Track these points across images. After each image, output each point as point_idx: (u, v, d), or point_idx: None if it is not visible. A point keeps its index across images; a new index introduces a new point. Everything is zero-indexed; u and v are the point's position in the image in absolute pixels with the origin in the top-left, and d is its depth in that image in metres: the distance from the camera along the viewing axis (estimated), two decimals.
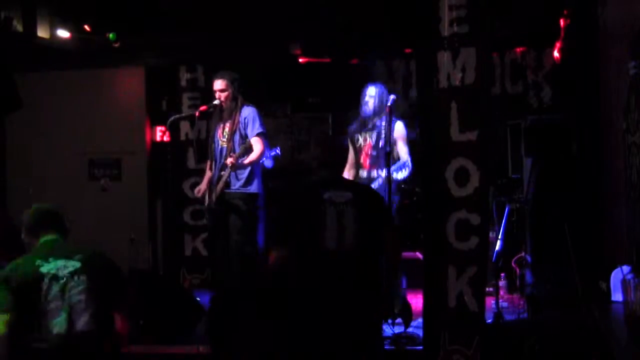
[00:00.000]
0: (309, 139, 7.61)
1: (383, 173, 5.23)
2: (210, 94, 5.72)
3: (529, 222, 6.06)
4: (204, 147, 5.93)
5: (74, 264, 3.56)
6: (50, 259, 3.56)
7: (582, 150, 6.00)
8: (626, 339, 3.56)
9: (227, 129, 5.57)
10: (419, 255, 5.91)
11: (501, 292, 5.71)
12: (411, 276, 5.40)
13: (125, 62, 7.31)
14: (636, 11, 4.45)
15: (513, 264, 5.87)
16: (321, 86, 7.33)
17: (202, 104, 5.88)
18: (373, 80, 5.72)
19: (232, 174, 5.43)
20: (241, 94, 5.59)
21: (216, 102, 5.57)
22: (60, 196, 6.29)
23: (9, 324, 3.39)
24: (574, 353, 4.28)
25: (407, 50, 6.85)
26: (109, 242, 5.38)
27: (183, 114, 6.55)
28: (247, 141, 5.39)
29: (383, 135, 5.33)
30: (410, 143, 5.47)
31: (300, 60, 7.16)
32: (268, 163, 5.92)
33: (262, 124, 5.55)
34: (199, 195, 5.71)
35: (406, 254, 6.02)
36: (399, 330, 4.83)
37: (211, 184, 5.54)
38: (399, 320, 4.93)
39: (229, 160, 5.31)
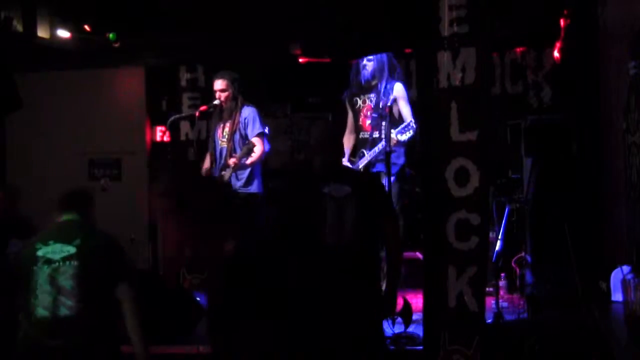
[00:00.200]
0: (309, 139, 7.60)
1: (389, 135, 5.10)
2: (210, 94, 5.73)
3: (529, 222, 6.05)
4: (204, 147, 5.93)
5: (69, 249, 3.60)
6: (50, 242, 3.63)
7: (582, 150, 5.99)
8: (626, 339, 3.56)
9: (227, 129, 5.57)
10: (419, 255, 5.91)
11: (501, 292, 5.70)
12: (411, 276, 5.39)
13: (125, 62, 7.30)
14: (636, 11, 4.44)
15: (513, 264, 5.86)
16: (321, 86, 7.32)
17: (202, 104, 5.89)
18: None
19: (232, 174, 5.44)
20: (241, 94, 5.60)
21: (216, 102, 5.57)
22: None
23: None
24: (574, 353, 4.28)
25: (407, 50, 6.83)
26: None
27: (183, 114, 6.56)
28: (249, 142, 5.39)
29: (383, 96, 5.31)
30: (411, 143, 5.46)
31: (300, 60, 7.15)
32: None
33: (262, 124, 5.55)
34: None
35: (406, 254, 6.01)
36: (399, 330, 4.83)
37: None
38: (399, 320, 4.93)
39: (232, 161, 5.32)
